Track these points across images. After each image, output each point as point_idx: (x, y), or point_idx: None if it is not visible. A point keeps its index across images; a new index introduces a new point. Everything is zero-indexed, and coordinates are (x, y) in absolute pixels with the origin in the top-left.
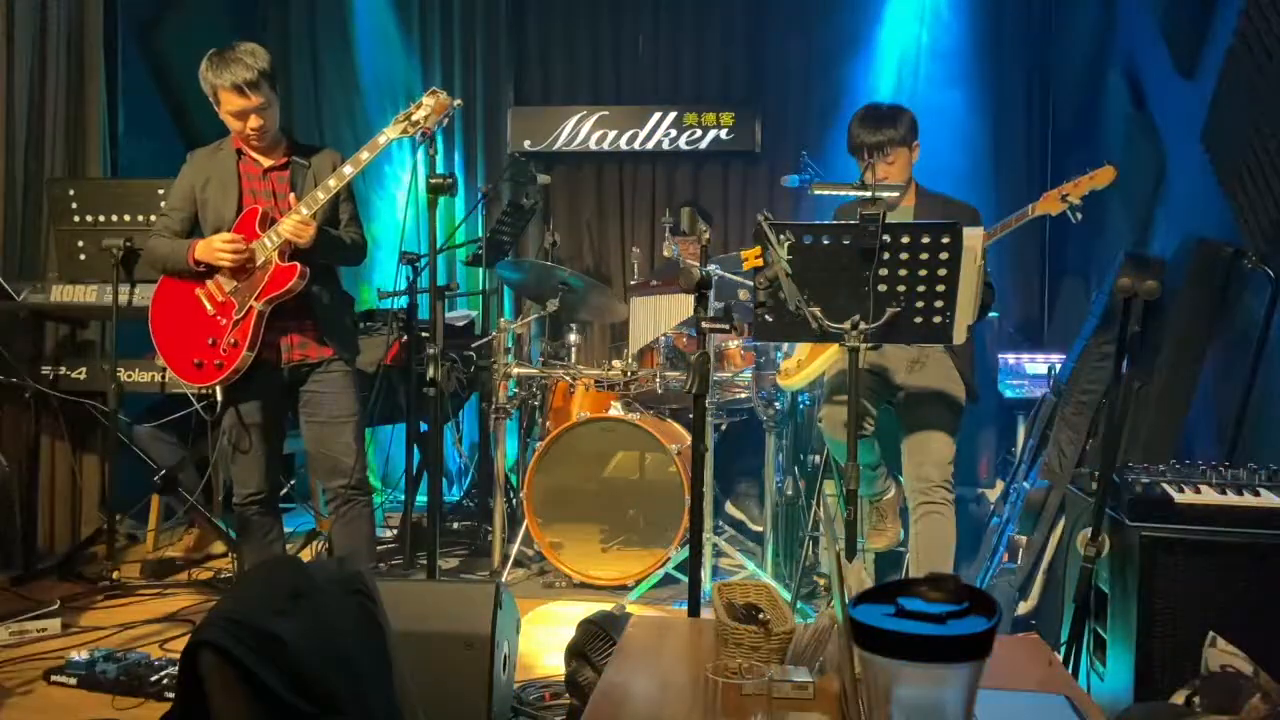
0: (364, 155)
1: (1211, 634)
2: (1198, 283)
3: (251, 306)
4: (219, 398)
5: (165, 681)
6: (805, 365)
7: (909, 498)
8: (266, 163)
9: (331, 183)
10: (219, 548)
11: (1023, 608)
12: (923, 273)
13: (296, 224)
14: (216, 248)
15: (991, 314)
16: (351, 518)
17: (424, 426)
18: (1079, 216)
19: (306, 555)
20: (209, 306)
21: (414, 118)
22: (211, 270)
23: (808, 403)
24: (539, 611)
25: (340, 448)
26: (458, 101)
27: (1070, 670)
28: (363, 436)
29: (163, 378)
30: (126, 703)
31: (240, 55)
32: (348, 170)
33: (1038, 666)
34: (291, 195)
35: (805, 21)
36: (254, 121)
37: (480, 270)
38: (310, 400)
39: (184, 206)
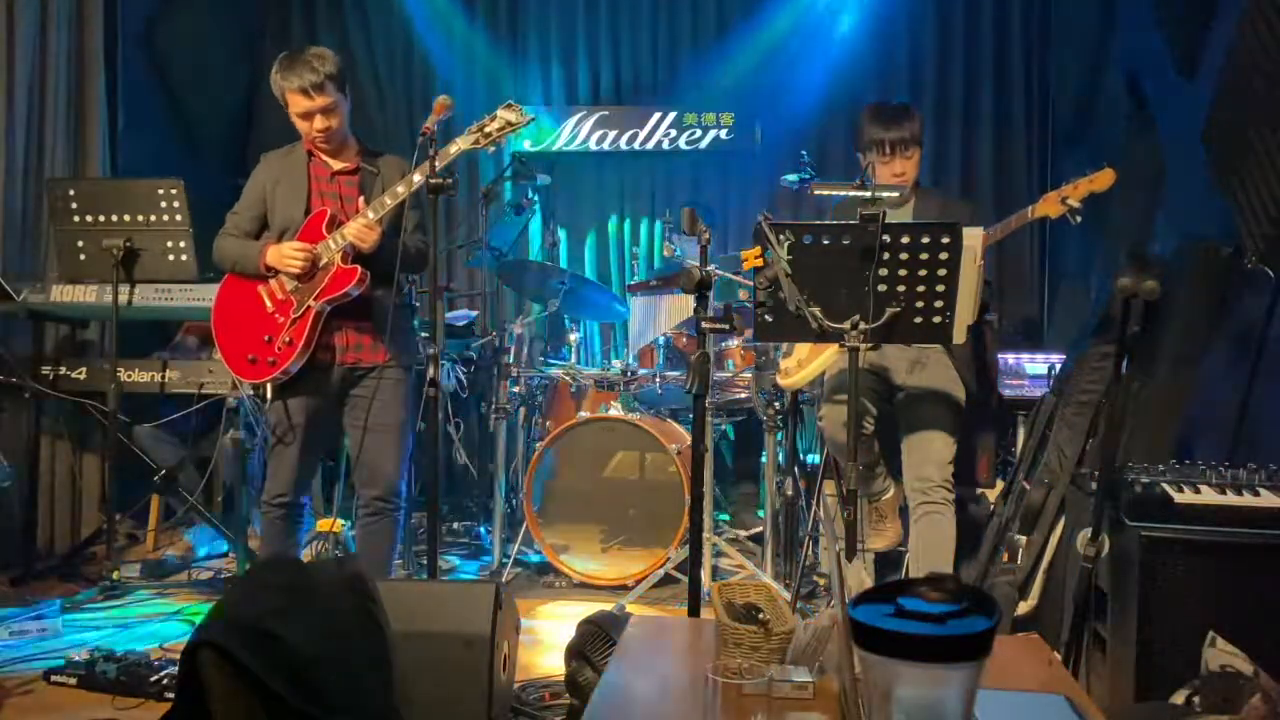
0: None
1: (1211, 634)
2: (1198, 283)
3: (309, 306)
4: (269, 394)
5: (165, 681)
6: (805, 365)
7: (909, 497)
8: (336, 165)
9: (400, 189)
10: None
11: (1023, 608)
12: (922, 273)
13: (361, 228)
14: (286, 255)
15: (987, 316)
16: (377, 530)
17: (423, 426)
18: (1078, 219)
19: (308, 555)
20: (269, 304)
21: (487, 129)
22: (277, 269)
23: (807, 402)
24: (539, 611)
25: (380, 455)
26: (532, 117)
27: (1070, 670)
28: (406, 447)
29: (163, 378)
30: (126, 703)
31: (308, 58)
32: (416, 179)
33: (1038, 666)
34: (360, 200)
35: (805, 21)
36: (320, 123)
37: (480, 270)
38: (357, 404)
39: (254, 206)
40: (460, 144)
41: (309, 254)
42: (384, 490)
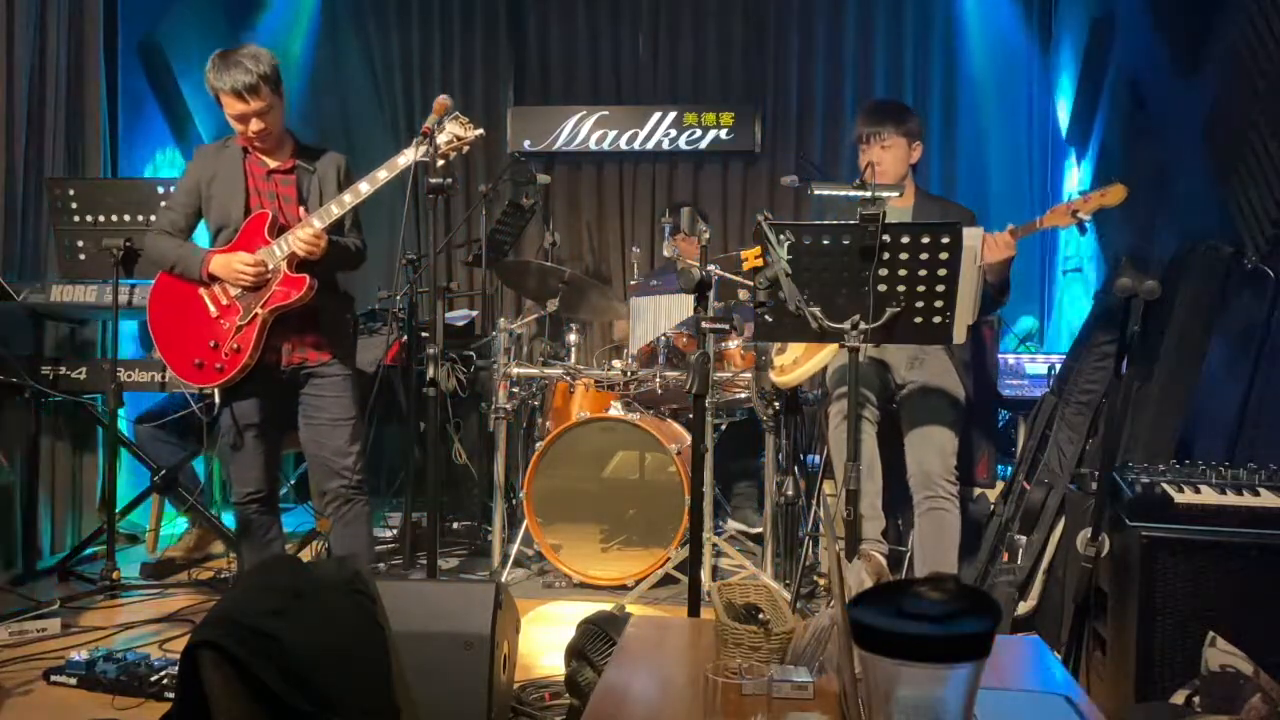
0: (381, 174)
1: (1211, 634)
2: (1198, 283)
3: (257, 313)
4: (217, 398)
5: (165, 681)
6: (802, 363)
7: (913, 493)
8: (272, 164)
9: (347, 198)
10: (219, 548)
11: (1023, 608)
12: (922, 273)
13: (310, 239)
14: (237, 269)
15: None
16: (350, 519)
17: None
18: (1085, 232)
19: (306, 555)
20: (213, 309)
21: (436, 140)
22: (223, 279)
23: (809, 402)
24: (539, 611)
25: (337, 450)
26: (480, 131)
27: (1070, 670)
28: (361, 439)
29: (163, 378)
30: (126, 703)
31: (241, 59)
32: (364, 188)
33: (1038, 666)
34: (302, 209)
35: (805, 21)
36: (254, 125)
37: (480, 270)
38: (309, 403)
39: (190, 202)
40: (408, 155)
41: (261, 268)
42: (350, 481)
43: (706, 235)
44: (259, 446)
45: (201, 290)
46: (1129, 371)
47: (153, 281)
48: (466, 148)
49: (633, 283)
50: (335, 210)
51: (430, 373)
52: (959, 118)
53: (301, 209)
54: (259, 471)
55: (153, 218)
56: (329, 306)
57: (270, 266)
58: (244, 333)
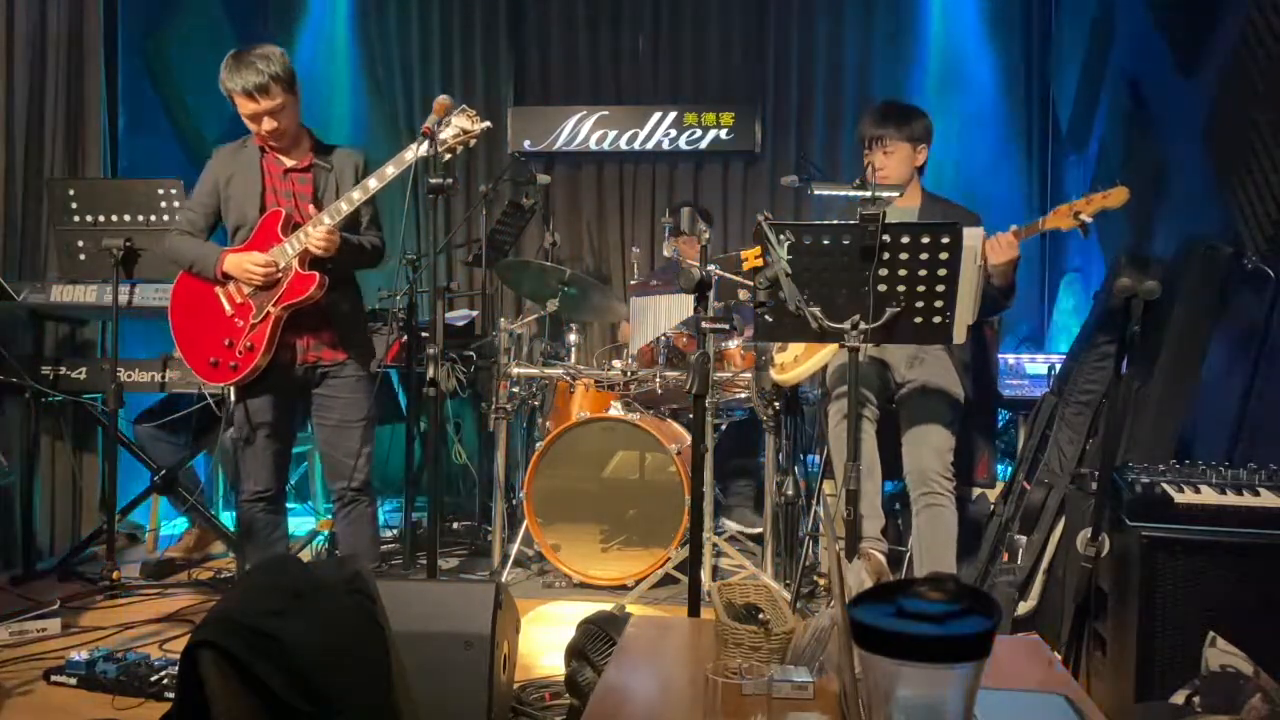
0: (389, 170)
1: (1211, 634)
2: (1198, 283)
3: (269, 311)
4: (231, 395)
5: (165, 681)
6: (802, 360)
7: (910, 491)
8: (289, 163)
9: (356, 195)
10: (219, 548)
11: (1023, 608)
12: (923, 273)
13: (321, 236)
14: (248, 269)
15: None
16: (354, 518)
17: (424, 426)
18: (1087, 234)
19: (306, 555)
20: (227, 307)
21: (441, 136)
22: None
23: (809, 402)
24: (539, 611)
25: (348, 451)
26: (487, 124)
27: (1070, 670)
28: (371, 440)
29: (163, 377)
30: (126, 703)
31: (253, 59)
32: (372, 184)
33: (1038, 666)
34: (311, 206)
35: (806, 21)
36: (268, 124)
37: (480, 270)
38: (323, 403)
39: (209, 202)
40: (415, 150)
41: (271, 269)
42: (358, 481)
43: (706, 235)
44: (270, 445)
45: (217, 289)
46: (1129, 371)
47: (155, 280)
48: (473, 141)
49: (633, 283)
50: (345, 207)
51: (430, 373)
52: (958, 117)
53: (311, 207)
54: (269, 470)
55: (152, 218)
56: (344, 305)
57: (281, 265)
58: (257, 330)
